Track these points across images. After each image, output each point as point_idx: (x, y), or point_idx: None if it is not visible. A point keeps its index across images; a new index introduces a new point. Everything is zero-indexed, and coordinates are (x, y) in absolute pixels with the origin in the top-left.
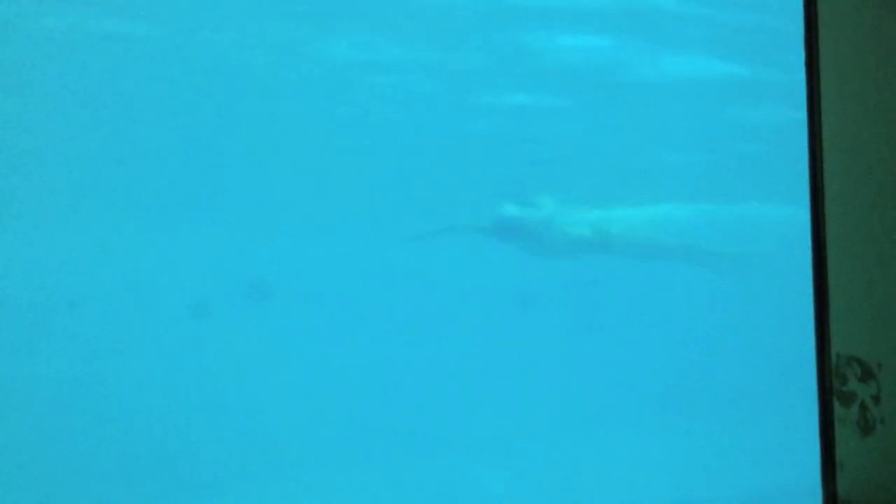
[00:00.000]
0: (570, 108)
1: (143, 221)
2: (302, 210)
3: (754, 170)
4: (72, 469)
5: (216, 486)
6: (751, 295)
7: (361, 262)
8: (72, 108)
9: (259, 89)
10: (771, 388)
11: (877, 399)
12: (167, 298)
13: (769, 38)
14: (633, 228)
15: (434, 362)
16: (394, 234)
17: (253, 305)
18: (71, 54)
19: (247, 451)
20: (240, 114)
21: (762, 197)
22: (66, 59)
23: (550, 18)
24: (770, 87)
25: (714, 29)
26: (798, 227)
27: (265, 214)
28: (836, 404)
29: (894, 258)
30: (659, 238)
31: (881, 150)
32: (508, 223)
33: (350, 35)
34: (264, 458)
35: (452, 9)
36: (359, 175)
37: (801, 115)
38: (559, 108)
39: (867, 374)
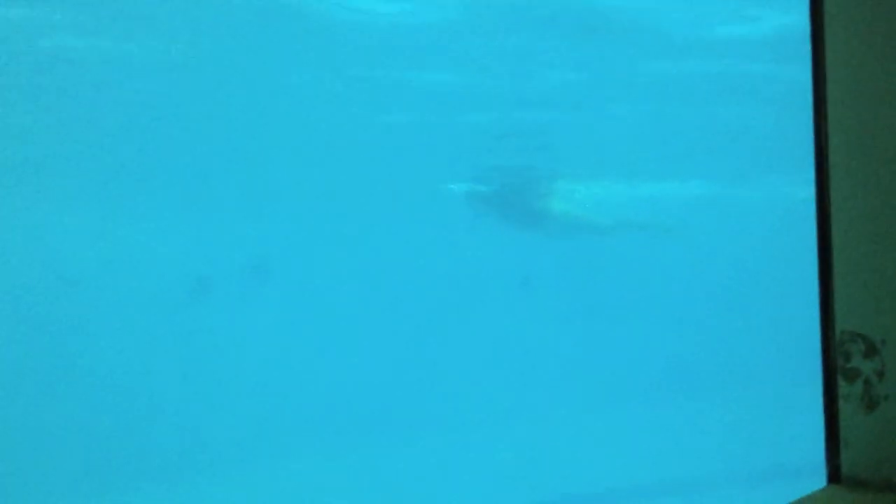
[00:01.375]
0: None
1: (143, 201)
2: (298, 189)
3: (758, 148)
4: (73, 445)
5: (216, 461)
6: (753, 273)
7: (355, 241)
8: (70, 88)
9: (256, 68)
10: (774, 365)
11: (881, 375)
12: (167, 278)
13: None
14: (632, 206)
15: (433, 341)
16: (386, 210)
17: (251, 285)
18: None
19: (247, 427)
20: (238, 93)
21: (766, 175)
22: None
23: None
24: (773, 54)
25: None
26: (799, 205)
27: (263, 193)
28: (841, 381)
29: None
30: (657, 216)
31: (887, 127)
32: (501, 200)
33: None
34: (265, 435)
35: None
36: (353, 152)
37: (802, 87)
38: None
39: (871, 351)
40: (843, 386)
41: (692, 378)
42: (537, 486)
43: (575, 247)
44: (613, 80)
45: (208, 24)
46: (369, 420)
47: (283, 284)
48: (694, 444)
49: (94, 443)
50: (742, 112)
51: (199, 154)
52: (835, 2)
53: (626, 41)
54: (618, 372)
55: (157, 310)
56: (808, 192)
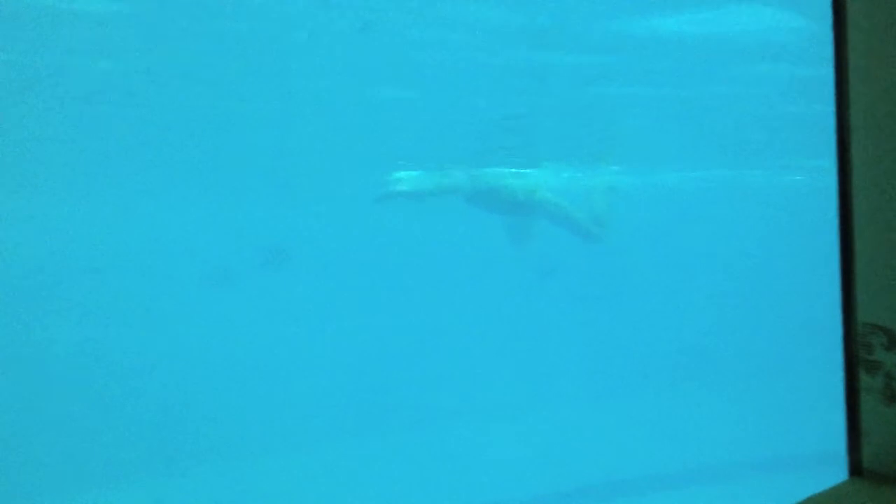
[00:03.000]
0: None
1: (162, 190)
2: (316, 175)
3: (777, 135)
4: (91, 434)
5: (231, 449)
6: (772, 264)
7: (360, 226)
8: (90, 73)
9: (275, 51)
10: (794, 357)
11: None
12: (187, 265)
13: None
14: (653, 194)
15: (445, 333)
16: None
17: (270, 272)
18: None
19: (265, 414)
20: (256, 77)
21: (784, 163)
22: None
23: None
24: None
25: None
26: (824, 194)
27: (282, 183)
28: (862, 373)
29: None
30: (678, 204)
31: None
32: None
33: None
34: (283, 423)
35: None
36: (361, 140)
37: (819, 76)
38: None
39: (893, 343)
40: (863, 379)
41: (711, 369)
42: (556, 477)
43: (587, 235)
44: (617, 64)
45: (229, 13)
46: (384, 412)
47: (301, 274)
48: (713, 435)
49: (107, 431)
50: (757, 98)
51: (217, 144)
52: None
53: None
54: (633, 363)
55: (176, 299)
56: (826, 180)
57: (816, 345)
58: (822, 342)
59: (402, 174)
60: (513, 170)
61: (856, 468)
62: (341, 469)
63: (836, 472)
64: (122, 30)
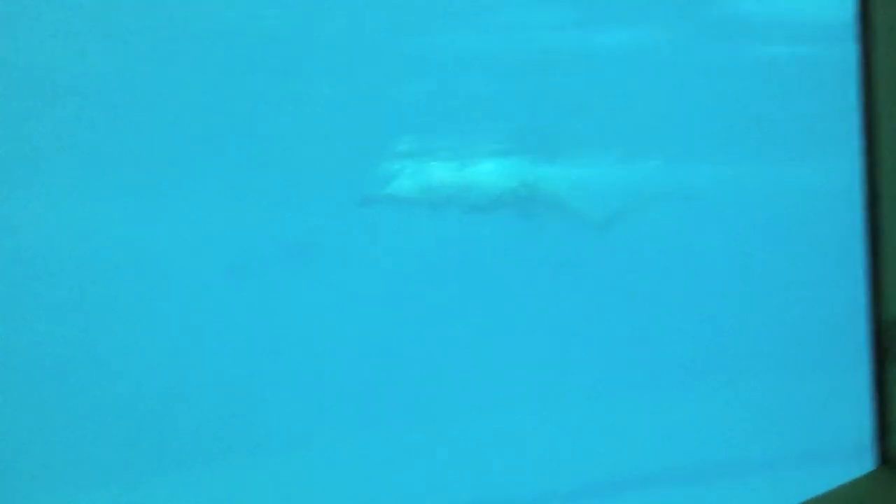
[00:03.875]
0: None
1: (183, 186)
2: (336, 173)
3: (800, 129)
4: (112, 428)
5: (253, 445)
6: (800, 255)
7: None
8: (111, 70)
9: (293, 43)
10: (822, 349)
11: None
12: (206, 261)
13: None
14: (670, 188)
15: (459, 323)
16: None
17: (291, 269)
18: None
19: (287, 411)
20: (278, 75)
21: (807, 157)
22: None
23: None
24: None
25: None
26: (846, 186)
27: (302, 179)
28: (890, 366)
29: None
30: (696, 199)
31: None
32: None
33: None
34: (306, 419)
35: None
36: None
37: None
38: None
39: None
40: (891, 371)
41: (733, 363)
42: (579, 471)
43: (605, 226)
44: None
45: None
46: (398, 408)
47: (321, 270)
48: (739, 427)
49: (125, 427)
50: (772, 91)
51: (236, 139)
52: None
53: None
54: (654, 358)
55: (196, 294)
56: (850, 175)
57: (839, 338)
58: (845, 336)
59: (409, 169)
60: (511, 163)
61: (882, 458)
62: (357, 466)
63: (860, 464)
64: (137, 23)
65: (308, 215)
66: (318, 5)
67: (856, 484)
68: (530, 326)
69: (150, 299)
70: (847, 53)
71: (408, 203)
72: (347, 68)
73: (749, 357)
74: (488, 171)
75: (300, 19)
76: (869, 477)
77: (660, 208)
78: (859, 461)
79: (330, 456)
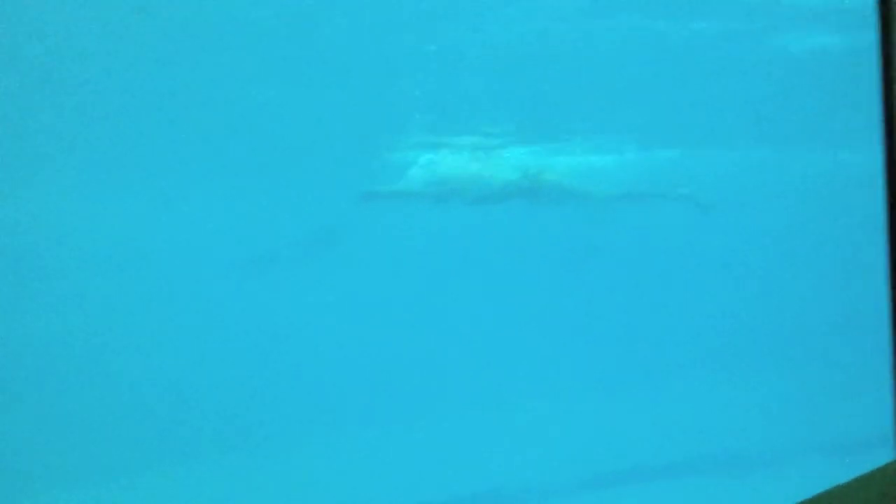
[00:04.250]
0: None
1: (207, 175)
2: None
3: (816, 116)
4: (136, 416)
5: (274, 435)
6: (822, 247)
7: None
8: (132, 61)
9: (308, 35)
10: (841, 338)
11: None
12: (228, 251)
13: None
14: (691, 174)
15: (470, 316)
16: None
17: (312, 259)
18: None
19: (309, 401)
20: (288, 63)
21: (826, 143)
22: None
23: None
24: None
25: None
26: (861, 172)
27: (327, 168)
28: None
29: None
30: (721, 183)
31: None
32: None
33: None
34: (327, 409)
35: None
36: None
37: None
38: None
39: None
40: None
41: (757, 351)
42: (604, 459)
43: (629, 216)
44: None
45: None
46: (412, 402)
47: (344, 260)
48: (762, 418)
49: (156, 413)
50: (788, 81)
51: (260, 127)
52: None
53: None
54: (666, 345)
55: (220, 283)
56: (867, 161)
57: (859, 329)
58: (867, 327)
59: (425, 158)
60: (514, 151)
61: None
62: (374, 454)
63: (883, 454)
64: (162, 19)
65: (314, 210)
66: (325, 3)
67: (878, 473)
68: (545, 318)
69: (154, 295)
70: (869, 41)
71: (419, 196)
72: (354, 63)
73: (770, 349)
74: (499, 162)
75: (308, 15)
76: (890, 465)
77: (674, 198)
78: (882, 451)
79: (345, 446)
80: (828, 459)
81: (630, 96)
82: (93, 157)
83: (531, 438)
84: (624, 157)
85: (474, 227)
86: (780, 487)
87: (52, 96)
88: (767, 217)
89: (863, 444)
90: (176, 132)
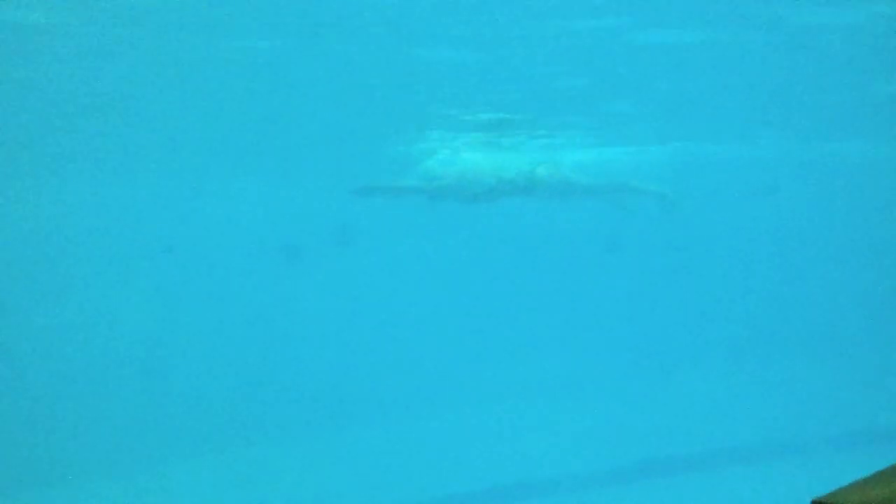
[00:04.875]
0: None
1: (234, 168)
2: (380, 161)
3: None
4: (173, 401)
5: (305, 420)
6: (844, 237)
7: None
8: (158, 56)
9: (338, 35)
10: (868, 329)
11: None
12: (258, 243)
13: None
14: (721, 167)
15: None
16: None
17: (337, 254)
18: None
19: (338, 387)
20: (325, 66)
21: (848, 133)
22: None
23: None
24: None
25: None
26: (879, 163)
27: (349, 165)
28: None
29: None
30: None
31: None
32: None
33: None
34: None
35: None
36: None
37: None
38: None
39: None
40: None
41: (787, 342)
42: (630, 449)
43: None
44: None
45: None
46: (445, 387)
47: (365, 254)
48: (789, 407)
49: (189, 398)
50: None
51: (287, 127)
52: None
53: None
54: (704, 337)
55: (248, 276)
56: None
57: (885, 321)
58: (891, 319)
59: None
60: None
61: None
62: (383, 453)
63: None
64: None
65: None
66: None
67: None
68: (575, 307)
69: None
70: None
71: (414, 192)
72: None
73: (794, 340)
74: (495, 159)
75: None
76: None
77: (699, 187)
78: None
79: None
80: (853, 449)
81: (626, 94)
82: (125, 155)
83: (565, 428)
84: (623, 153)
85: (469, 223)
86: (805, 478)
87: (74, 96)
88: (793, 209)
89: (889, 435)
90: (202, 130)
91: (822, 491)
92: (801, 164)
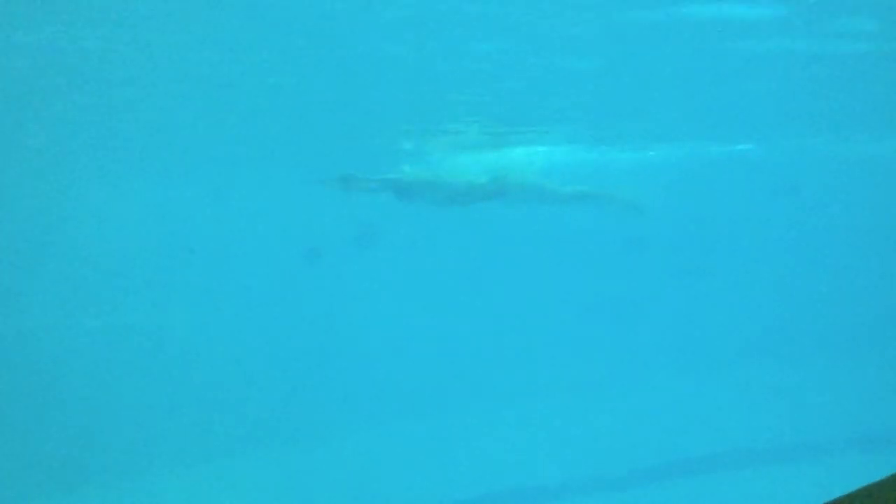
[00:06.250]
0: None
1: (255, 170)
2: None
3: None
4: (190, 403)
5: (322, 422)
6: (857, 237)
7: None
8: (180, 55)
9: (356, 31)
10: (880, 332)
11: None
12: (278, 245)
13: None
14: (733, 167)
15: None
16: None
17: (358, 256)
18: None
19: (362, 389)
20: (341, 58)
21: (858, 132)
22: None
23: None
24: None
25: None
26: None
27: (365, 158)
28: None
29: None
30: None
31: None
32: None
33: None
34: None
35: None
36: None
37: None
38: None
39: None
40: None
41: (800, 344)
42: (647, 450)
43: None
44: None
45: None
46: (461, 386)
47: (387, 256)
48: (802, 409)
49: (209, 400)
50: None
51: (307, 127)
52: None
53: None
54: (716, 338)
55: (269, 277)
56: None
57: None
58: None
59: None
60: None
61: None
62: (408, 449)
63: None
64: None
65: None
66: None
67: None
68: (592, 306)
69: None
70: None
71: (387, 196)
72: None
73: (813, 343)
74: (466, 164)
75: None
76: None
77: (713, 188)
78: None
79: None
80: (867, 453)
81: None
82: (145, 156)
83: (579, 427)
84: (601, 156)
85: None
86: (820, 481)
87: (87, 96)
88: (812, 210)
89: None
90: (209, 130)
91: (834, 495)
92: (822, 163)
